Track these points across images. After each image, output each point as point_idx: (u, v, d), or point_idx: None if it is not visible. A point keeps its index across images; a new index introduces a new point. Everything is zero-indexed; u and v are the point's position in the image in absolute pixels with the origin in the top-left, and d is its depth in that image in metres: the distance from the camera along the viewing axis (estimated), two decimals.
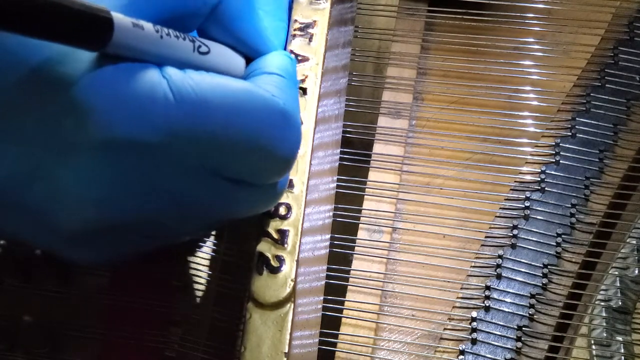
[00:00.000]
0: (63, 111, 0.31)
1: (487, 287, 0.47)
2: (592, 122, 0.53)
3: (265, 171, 0.35)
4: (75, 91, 0.30)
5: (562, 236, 0.49)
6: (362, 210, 0.51)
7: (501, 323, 0.46)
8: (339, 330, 0.46)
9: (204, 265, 0.47)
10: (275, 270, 0.38)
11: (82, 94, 0.30)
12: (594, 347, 0.46)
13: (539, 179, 0.51)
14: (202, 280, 0.46)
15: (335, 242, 0.48)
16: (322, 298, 0.45)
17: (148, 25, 0.31)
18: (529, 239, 0.49)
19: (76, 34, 0.28)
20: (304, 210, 0.39)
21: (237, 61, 0.37)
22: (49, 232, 0.34)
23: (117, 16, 0.29)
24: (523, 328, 0.46)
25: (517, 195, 0.51)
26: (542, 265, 0.48)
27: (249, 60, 0.37)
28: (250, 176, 0.35)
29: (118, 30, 0.29)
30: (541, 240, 0.49)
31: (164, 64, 0.32)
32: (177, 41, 0.32)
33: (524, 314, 0.46)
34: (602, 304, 0.47)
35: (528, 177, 0.52)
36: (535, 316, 0.46)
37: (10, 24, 0.26)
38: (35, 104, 0.31)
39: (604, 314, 0.47)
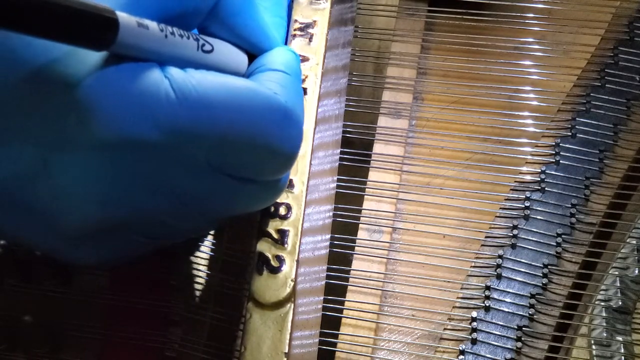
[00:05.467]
0: (67, 111, 0.31)
1: (487, 287, 0.47)
2: (592, 122, 0.53)
3: (267, 168, 0.35)
4: (79, 91, 0.30)
5: (562, 236, 0.49)
6: (362, 210, 0.51)
7: (501, 323, 0.46)
8: (339, 330, 0.46)
9: (204, 265, 0.47)
10: (275, 270, 0.38)
11: (86, 94, 0.30)
12: (594, 347, 0.46)
13: (539, 179, 0.51)
14: (202, 280, 0.46)
15: (335, 242, 0.48)
16: (322, 298, 0.45)
17: (152, 25, 0.31)
18: (529, 239, 0.49)
19: (81, 34, 0.28)
20: (304, 210, 0.39)
21: (240, 58, 0.37)
22: (52, 233, 0.34)
23: (122, 16, 0.29)
24: (523, 328, 0.46)
25: (517, 195, 0.51)
26: (542, 265, 0.48)
27: (251, 57, 0.37)
28: (252, 173, 0.35)
29: (123, 30, 0.29)
30: (541, 240, 0.49)
31: (167, 63, 0.32)
32: (181, 40, 0.32)
33: (524, 314, 0.46)
34: (602, 304, 0.47)
35: (528, 177, 0.52)
36: (535, 316, 0.46)
37: (17, 24, 0.26)
38: (39, 103, 0.31)
39: (604, 314, 0.47)
